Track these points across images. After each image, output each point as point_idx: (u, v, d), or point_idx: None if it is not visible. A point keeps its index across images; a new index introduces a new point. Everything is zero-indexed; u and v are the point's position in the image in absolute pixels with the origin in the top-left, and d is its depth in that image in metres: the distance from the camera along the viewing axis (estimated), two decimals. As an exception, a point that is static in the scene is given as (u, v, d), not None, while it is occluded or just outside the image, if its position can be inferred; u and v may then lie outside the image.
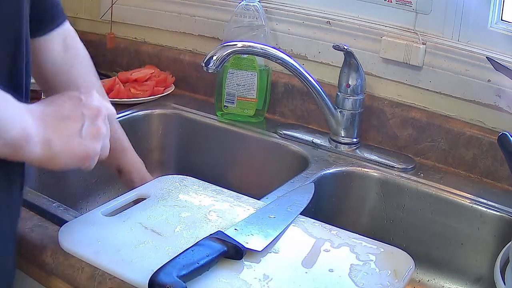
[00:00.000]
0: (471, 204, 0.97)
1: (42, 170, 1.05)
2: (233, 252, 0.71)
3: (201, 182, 0.91)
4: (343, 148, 1.12)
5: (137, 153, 1.01)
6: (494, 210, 0.95)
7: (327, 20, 1.19)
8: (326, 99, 1.09)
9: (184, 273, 0.64)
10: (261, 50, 1.04)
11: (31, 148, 0.60)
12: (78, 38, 0.91)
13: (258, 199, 0.88)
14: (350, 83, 1.08)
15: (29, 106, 0.63)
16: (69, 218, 0.80)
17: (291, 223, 0.81)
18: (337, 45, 1.06)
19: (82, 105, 0.67)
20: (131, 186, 0.94)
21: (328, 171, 1.05)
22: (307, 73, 1.07)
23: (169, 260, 0.66)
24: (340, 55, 1.08)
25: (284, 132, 1.17)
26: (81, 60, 0.91)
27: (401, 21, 1.12)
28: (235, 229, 0.76)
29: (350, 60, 1.07)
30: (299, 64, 1.07)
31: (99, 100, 0.69)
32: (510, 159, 0.78)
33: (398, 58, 1.11)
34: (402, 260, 0.75)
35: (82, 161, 0.67)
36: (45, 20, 0.83)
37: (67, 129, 0.64)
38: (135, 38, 1.47)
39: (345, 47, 1.05)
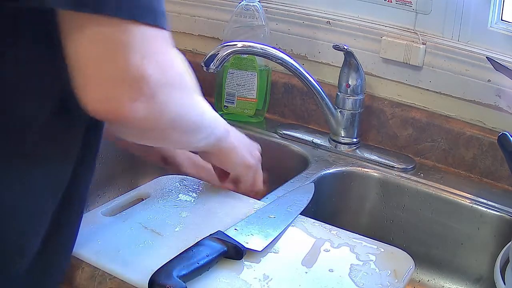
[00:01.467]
0: (471, 204, 0.97)
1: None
2: (233, 252, 0.71)
3: (201, 182, 0.91)
4: (343, 148, 1.12)
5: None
6: (494, 210, 0.95)
7: (327, 20, 1.19)
8: (326, 99, 1.09)
9: (184, 273, 0.64)
10: (261, 50, 1.04)
11: (223, 142, 0.79)
12: None
13: (258, 199, 0.88)
14: (350, 83, 1.08)
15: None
16: (69, 218, 0.80)
17: (291, 223, 0.81)
18: (337, 45, 1.06)
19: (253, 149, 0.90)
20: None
21: (328, 171, 1.05)
22: (307, 73, 1.07)
23: (169, 260, 0.66)
24: (340, 55, 1.08)
25: (284, 132, 1.17)
26: None
27: (401, 21, 1.13)
28: (235, 229, 0.76)
29: (350, 60, 1.07)
30: (299, 64, 1.07)
31: None
32: (510, 159, 0.78)
33: (398, 58, 1.11)
34: (402, 260, 0.75)
35: (246, 168, 0.86)
36: None
37: (242, 140, 0.86)
38: (135, 38, 1.47)
39: (345, 47, 1.05)
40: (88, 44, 0.54)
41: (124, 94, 0.55)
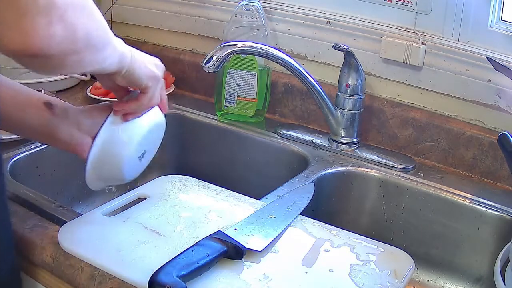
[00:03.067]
0: (471, 204, 0.97)
1: (42, 170, 1.05)
2: (233, 252, 0.71)
3: (201, 182, 0.91)
4: (343, 148, 1.12)
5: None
6: (494, 210, 0.95)
7: (327, 20, 1.19)
8: (326, 99, 1.09)
9: (184, 273, 0.64)
10: (261, 50, 1.04)
11: (127, 58, 0.74)
12: None
13: (258, 199, 0.88)
14: (350, 83, 1.08)
15: None
16: (69, 218, 0.80)
17: (291, 223, 0.81)
18: (337, 45, 1.06)
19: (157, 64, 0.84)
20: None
21: (328, 171, 1.05)
22: (307, 73, 1.07)
23: (169, 260, 0.66)
24: (340, 55, 1.08)
25: (284, 132, 1.17)
26: None
27: (401, 21, 1.13)
28: (235, 229, 0.76)
29: (350, 60, 1.07)
30: (299, 64, 1.07)
31: None
32: (510, 159, 0.78)
33: (398, 58, 1.11)
34: (402, 260, 0.75)
35: (153, 79, 0.81)
36: None
37: (143, 54, 0.80)
38: (135, 38, 1.47)
39: (345, 47, 1.05)
40: None
41: (39, 23, 0.55)
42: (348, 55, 1.06)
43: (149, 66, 0.81)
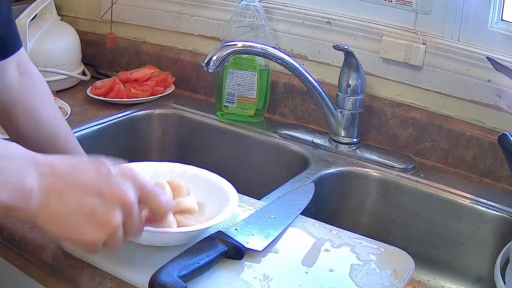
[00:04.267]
0: (471, 204, 0.97)
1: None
2: (234, 252, 0.71)
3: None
4: (343, 148, 1.12)
5: (137, 153, 1.00)
6: (494, 210, 0.95)
7: (327, 20, 1.19)
8: (326, 99, 1.09)
9: (184, 273, 0.64)
10: (261, 50, 1.04)
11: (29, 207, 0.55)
12: (31, 62, 0.85)
13: (258, 199, 0.88)
14: (350, 83, 1.08)
15: (38, 158, 0.56)
16: (69, 218, 0.80)
17: (291, 223, 0.81)
18: (337, 45, 1.06)
19: (108, 183, 0.58)
20: None
21: (328, 171, 1.05)
22: (307, 73, 1.07)
23: (169, 260, 0.66)
24: (340, 55, 1.08)
25: (284, 132, 1.17)
26: (39, 83, 0.85)
27: (401, 21, 1.13)
28: (235, 229, 0.76)
29: (350, 60, 1.07)
30: (299, 64, 1.07)
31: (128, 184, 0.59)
32: (510, 159, 0.78)
33: (398, 58, 1.11)
34: (402, 260, 0.75)
35: (83, 245, 0.60)
36: (5, 46, 0.80)
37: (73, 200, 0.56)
38: (135, 38, 1.47)
39: (345, 47, 1.05)
40: None
41: None
42: (348, 55, 1.06)
43: (78, 219, 0.56)
